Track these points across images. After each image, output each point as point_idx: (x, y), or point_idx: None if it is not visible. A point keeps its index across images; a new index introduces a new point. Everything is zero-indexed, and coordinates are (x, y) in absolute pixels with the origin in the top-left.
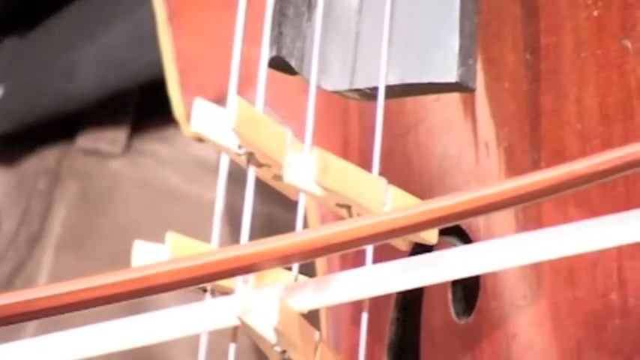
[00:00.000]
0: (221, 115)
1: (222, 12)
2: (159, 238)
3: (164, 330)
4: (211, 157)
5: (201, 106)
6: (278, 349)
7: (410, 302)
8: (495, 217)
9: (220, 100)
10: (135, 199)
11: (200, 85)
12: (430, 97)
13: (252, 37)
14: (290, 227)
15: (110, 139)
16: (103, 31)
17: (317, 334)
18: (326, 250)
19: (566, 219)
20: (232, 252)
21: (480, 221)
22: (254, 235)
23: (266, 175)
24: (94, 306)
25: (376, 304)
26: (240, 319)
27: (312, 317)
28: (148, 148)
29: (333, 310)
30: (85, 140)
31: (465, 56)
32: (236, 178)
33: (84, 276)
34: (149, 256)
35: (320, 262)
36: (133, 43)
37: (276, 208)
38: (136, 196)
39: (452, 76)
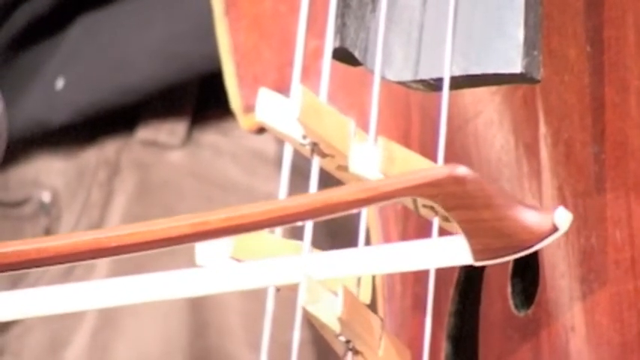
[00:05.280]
0: (286, 104)
1: (278, 4)
2: None
3: (228, 282)
4: (268, 148)
5: (266, 95)
6: (342, 338)
7: (469, 295)
8: None
9: (277, 92)
10: (193, 191)
11: (256, 78)
12: (489, 90)
13: (307, 29)
14: (343, 217)
15: (169, 130)
16: (161, 23)
17: (381, 323)
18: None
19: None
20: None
21: None
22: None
23: (330, 166)
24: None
25: (436, 296)
26: (304, 308)
27: (372, 308)
28: (207, 140)
29: (392, 302)
30: (145, 131)
31: (530, 47)
32: (292, 169)
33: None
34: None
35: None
36: (191, 35)
37: None
38: (194, 188)
39: (516, 67)
